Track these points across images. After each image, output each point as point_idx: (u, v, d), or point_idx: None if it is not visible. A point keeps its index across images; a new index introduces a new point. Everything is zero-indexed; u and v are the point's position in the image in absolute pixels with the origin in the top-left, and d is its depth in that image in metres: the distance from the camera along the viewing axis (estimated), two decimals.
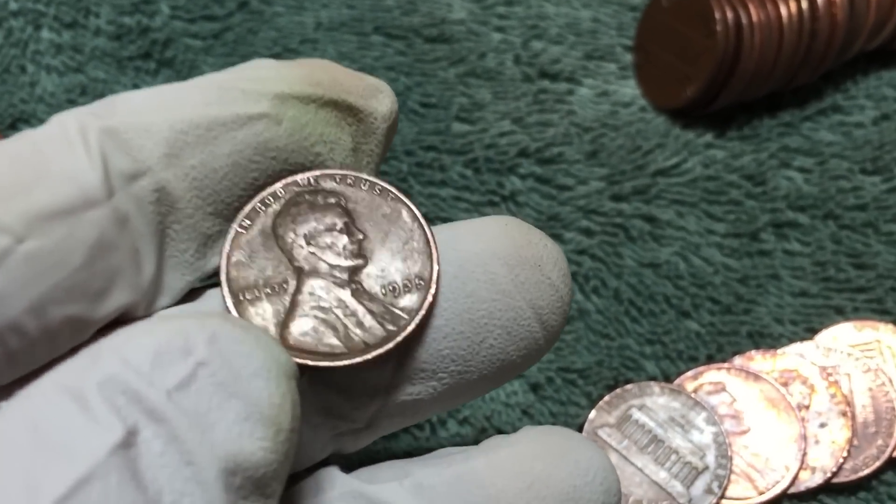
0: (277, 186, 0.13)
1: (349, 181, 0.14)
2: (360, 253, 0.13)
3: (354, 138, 0.14)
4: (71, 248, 0.11)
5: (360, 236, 0.13)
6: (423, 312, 0.13)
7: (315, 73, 0.13)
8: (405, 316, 0.13)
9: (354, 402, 0.13)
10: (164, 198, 0.12)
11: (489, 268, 0.13)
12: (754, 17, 0.28)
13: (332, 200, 0.14)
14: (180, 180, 0.12)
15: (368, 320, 0.13)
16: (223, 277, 0.13)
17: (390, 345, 0.13)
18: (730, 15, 0.28)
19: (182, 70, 0.31)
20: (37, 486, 0.10)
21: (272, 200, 0.13)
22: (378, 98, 0.14)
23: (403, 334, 0.13)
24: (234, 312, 0.13)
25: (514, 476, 0.13)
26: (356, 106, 0.14)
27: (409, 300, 0.13)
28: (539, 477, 0.13)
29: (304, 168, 0.13)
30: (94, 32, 0.32)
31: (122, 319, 0.12)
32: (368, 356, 0.13)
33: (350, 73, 0.14)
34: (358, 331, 0.13)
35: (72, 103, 0.30)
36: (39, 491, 0.10)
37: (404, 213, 0.14)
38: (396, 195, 0.14)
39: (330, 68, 0.14)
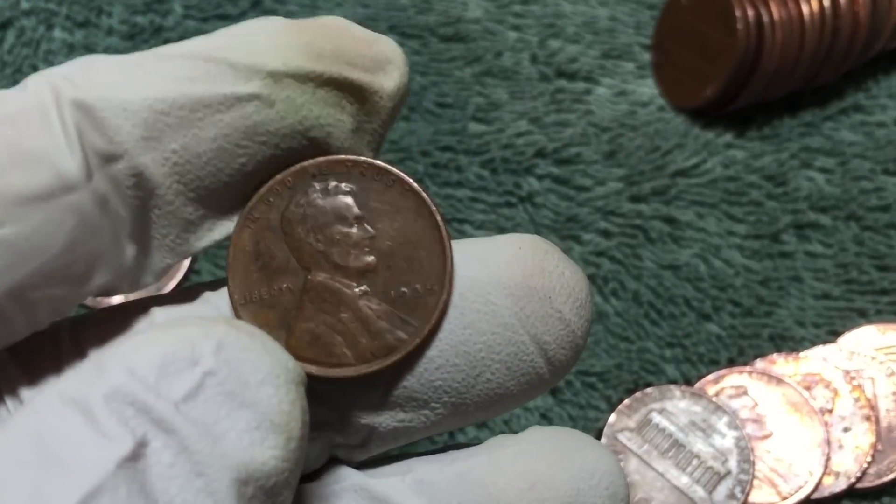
0: (286, 175, 0.12)
1: (362, 170, 0.13)
2: (371, 251, 0.13)
3: (356, 118, 0.12)
4: (49, 234, 0.11)
5: (372, 233, 0.13)
6: (433, 320, 0.12)
7: (317, 42, 0.12)
8: (415, 323, 0.12)
9: (345, 421, 0.13)
10: (143, 183, 0.12)
11: (491, 298, 0.13)
12: (776, 15, 0.27)
13: (345, 191, 0.13)
14: (159, 165, 0.11)
15: (376, 326, 0.13)
16: (229, 277, 0.13)
17: (398, 355, 0.12)
18: (751, 13, 0.27)
19: None
20: (45, 500, 0.09)
21: (281, 190, 0.12)
22: (386, 71, 0.12)
23: (415, 342, 0.12)
24: (238, 315, 0.12)
25: (516, 476, 0.13)
26: (360, 83, 0.12)
27: (419, 305, 0.13)
28: (542, 478, 0.13)
29: (296, 152, 0.12)
30: (106, 32, 0.31)
31: (105, 293, 0.12)
32: (374, 367, 0.12)
33: (358, 38, 0.12)
34: (364, 339, 0.12)
35: None
36: None
37: (418, 209, 0.13)
38: (411, 186, 0.13)
39: (335, 32, 0.12)
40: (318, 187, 0.13)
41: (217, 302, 0.13)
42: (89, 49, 0.31)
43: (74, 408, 0.10)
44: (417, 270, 0.12)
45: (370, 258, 0.13)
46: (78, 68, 0.12)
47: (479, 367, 0.13)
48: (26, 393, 0.12)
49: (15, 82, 0.31)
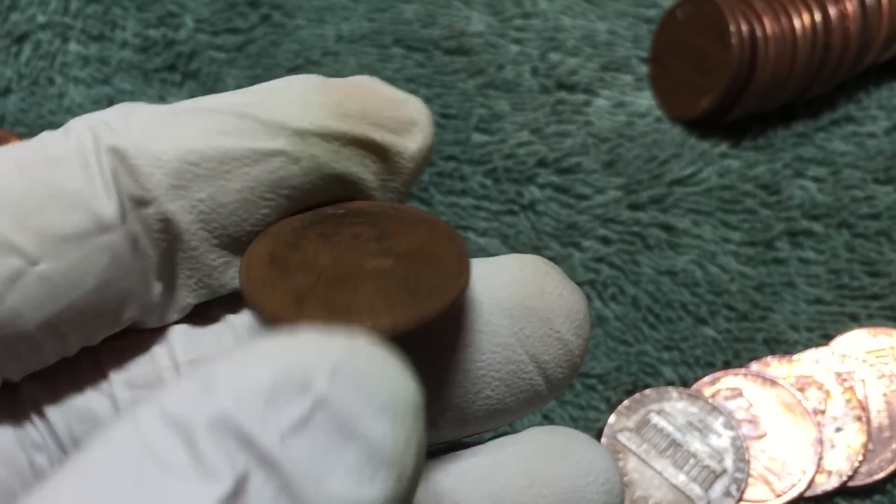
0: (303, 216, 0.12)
1: (376, 207, 0.13)
2: (389, 256, 0.12)
3: (378, 176, 0.13)
4: (84, 271, 0.11)
5: (388, 245, 0.12)
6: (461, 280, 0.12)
7: (344, 103, 0.12)
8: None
9: None
10: (170, 227, 0.12)
11: (492, 318, 0.13)
12: (769, 30, 0.28)
13: (360, 222, 0.13)
14: (186, 212, 0.12)
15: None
16: (242, 278, 0.12)
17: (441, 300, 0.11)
18: (744, 27, 0.28)
19: (207, 82, 0.32)
20: None
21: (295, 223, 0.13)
22: (411, 133, 0.13)
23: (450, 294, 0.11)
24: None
25: (516, 474, 0.13)
26: (384, 143, 0.13)
27: (440, 285, 0.12)
28: (541, 476, 0.13)
29: (319, 204, 0.13)
30: (120, 45, 0.32)
31: (132, 326, 0.13)
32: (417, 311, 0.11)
33: (385, 100, 0.13)
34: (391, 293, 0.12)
35: None
36: None
37: (433, 226, 0.13)
38: (424, 214, 0.13)
39: (363, 94, 0.13)
40: (331, 213, 0.13)
41: (237, 324, 0.13)
42: (103, 62, 0.32)
43: (177, 432, 0.09)
44: (436, 265, 0.12)
45: (388, 261, 0.12)
46: (117, 115, 0.12)
47: (479, 384, 0.13)
48: (51, 412, 0.12)
49: (32, 94, 0.32)
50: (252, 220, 0.12)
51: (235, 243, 0.12)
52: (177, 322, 0.13)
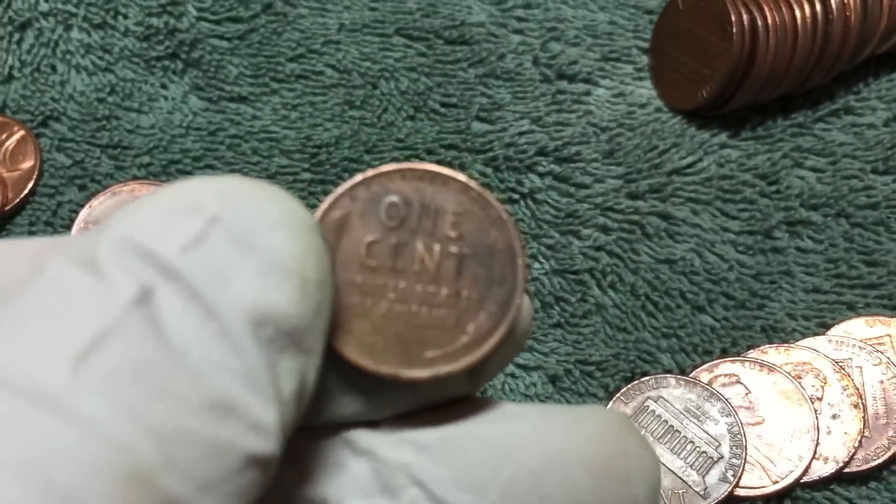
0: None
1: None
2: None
3: None
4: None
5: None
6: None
7: None
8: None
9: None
10: None
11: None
12: (769, 20, 0.28)
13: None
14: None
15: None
16: None
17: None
18: (745, 17, 0.28)
19: (209, 70, 0.32)
20: (53, 345, 0.09)
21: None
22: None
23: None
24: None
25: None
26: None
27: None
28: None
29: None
30: (122, 33, 0.32)
31: None
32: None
33: None
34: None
35: (101, 102, 0.31)
36: (56, 349, 0.09)
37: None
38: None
39: None
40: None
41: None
42: (106, 49, 0.32)
43: (77, 264, 0.10)
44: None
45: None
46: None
47: None
48: None
49: (34, 81, 0.32)
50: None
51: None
52: None
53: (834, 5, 0.29)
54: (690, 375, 0.26)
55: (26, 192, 0.30)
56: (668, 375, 0.26)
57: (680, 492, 0.24)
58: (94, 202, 0.29)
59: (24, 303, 0.10)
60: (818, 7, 0.29)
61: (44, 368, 0.09)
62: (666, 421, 0.25)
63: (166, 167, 0.30)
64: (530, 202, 0.29)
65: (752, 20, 0.28)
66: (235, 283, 0.09)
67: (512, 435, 0.13)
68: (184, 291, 0.09)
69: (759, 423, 0.25)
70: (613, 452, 0.13)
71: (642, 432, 0.25)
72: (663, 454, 0.24)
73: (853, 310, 0.27)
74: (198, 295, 0.09)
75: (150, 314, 0.09)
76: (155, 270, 0.09)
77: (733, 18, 0.28)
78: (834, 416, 0.25)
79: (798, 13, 0.29)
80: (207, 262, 0.09)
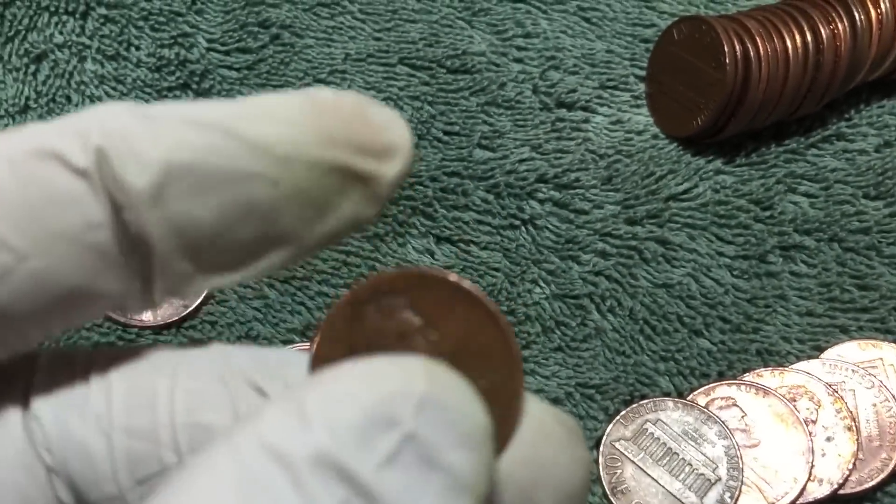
0: (342, 309, 0.13)
1: (410, 281, 0.13)
2: (438, 356, 0.12)
3: (354, 202, 0.13)
4: (72, 268, 0.12)
5: (436, 339, 0.13)
6: (515, 406, 0.12)
7: (331, 128, 0.12)
8: (497, 412, 0.12)
9: None
10: (144, 234, 0.12)
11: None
12: (762, 50, 0.29)
13: (400, 306, 0.13)
14: (160, 223, 0.12)
15: None
16: None
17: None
18: (738, 48, 0.29)
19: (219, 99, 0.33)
20: None
21: (340, 325, 0.13)
22: (392, 160, 0.13)
23: (505, 431, 0.12)
24: None
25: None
26: (365, 172, 0.13)
27: (497, 394, 0.12)
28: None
29: (290, 231, 0.13)
30: (135, 64, 0.33)
31: (113, 312, 0.13)
32: None
33: (371, 125, 0.13)
34: None
35: None
36: None
37: (469, 300, 0.13)
38: (456, 282, 0.13)
39: (350, 118, 0.13)
40: (373, 310, 0.13)
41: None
42: (119, 80, 0.33)
43: (280, 465, 0.10)
44: (487, 361, 0.12)
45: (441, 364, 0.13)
46: (106, 115, 0.12)
47: None
48: (37, 404, 0.13)
49: (49, 111, 0.33)
50: (225, 239, 0.12)
51: (206, 257, 0.13)
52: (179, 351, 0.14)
53: (825, 35, 0.30)
54: (688, 398, 0.26)
55: None
56: (667, 399, 0.26)
57: None
58: None
59: (218, 488, 0.10)
60: (809, 37, 0.30)
61: None
62: (664, 443, 0.26)
63: None
64: (531, 228, 0.30)
65: (745, 50, 0.29)
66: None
67: None
68: None
69: (755, 446, 0.25)
70: (524, 458, 0.13)
71: (641, 454, 0.26)
72: (662, 476, 0.25)
73: (846, 333, 0.28)
74: None
75: None
76: (352, 490, 0.10)
77: (727, 49, 0.29)
78: (828, 439, 0.26)
79: (790, 43, 0.30)
80: (398, 483, 0.10)
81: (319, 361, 0.13)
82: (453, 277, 0.13)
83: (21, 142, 0.12)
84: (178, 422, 0.13)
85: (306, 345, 0.28)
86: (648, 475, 0.25)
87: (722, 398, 0.26)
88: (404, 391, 0.10)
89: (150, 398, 0.13)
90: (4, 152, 0.12)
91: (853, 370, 0.27)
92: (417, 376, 0.11)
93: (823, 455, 0.25)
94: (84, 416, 0.13)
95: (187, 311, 0.28)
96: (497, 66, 0.33)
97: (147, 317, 0.28)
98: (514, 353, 0.12)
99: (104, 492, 0.13)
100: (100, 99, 0.33)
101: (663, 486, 0.25)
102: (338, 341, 0.13)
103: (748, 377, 0.27)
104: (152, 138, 0.12)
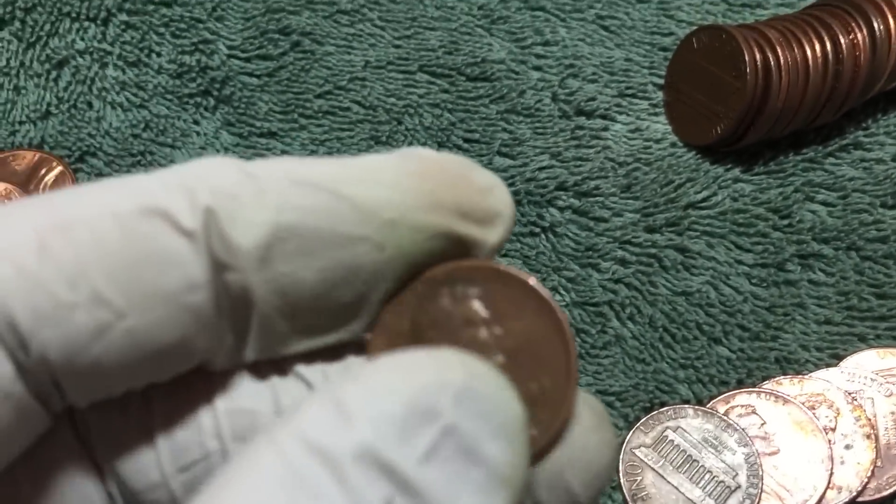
0: (416, 283, 0.13)
1: (486, 274, 0.13)
2: (500, 352, 0.13)
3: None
4: (168, 327, 0.12)
5: (500, 334, 0.13)
6: (562, 414, 0.12)
7: (437, 192, 0.12)
8: (543, 418, 0.12)
9: None
10: (248, 295, 0.12)
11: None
12: (782, 60, 0.29)
13: (473, 295, 0.13)
14: (265, 284, 0.12)
15: None
16: None
17: (533, 450, 0.12)
18: (758, 56, 0.29)
19: (239, 107, 0.33)
20: None
21: (410, 299, 0.13)
22: (494, 225, 0.13)
23: (546, 437, 0.12)
24: None
25: None
26: (468, 237, 0.13)
27: (547, 401, 0.12)
28: None
29: (389, 293, 0.13)
30: (156, 70, 0.34)
31: (199, 368, 0.13)
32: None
33: (475, 189, 0.13)
34: None
35: (136, 138, 0.32)
36: None
37: (539, 307, 0.13)
38: (532, 287, 0.13)
39: (455, 182, 0.13)
40: (446, 293, 0.13)
41: (307, 376, 0.13)
42: (140, 86, 0.33)
43: (323, 462, 0.10)
44: (543, 365, 0.13)
45: (499, 358, 0.13)
46: (211, 172, 0.12)
47: None
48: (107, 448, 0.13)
49: (71, 118, 0.33)
50: (326, 300, 0.12)
51: (306, 317, 0.13)
52: (241, 369, 0.14)
53: (844, 45, 0.30)
54: (707, 406, 0.27)
55: None
56: (686, 406, 0.27)
57: None
58: None
59: (264, 485, 0.10)
60: (829, 47, 0.30)
61: None
62: (685, 451, 0.26)
63: None
64: (551, 235, 0.30)
65: (765, 60, 0.29)
66: (462, 497, 0.10)
67: None
68: None
69: (774, 454, 0.26)
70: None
71: (661, 461, 0.26)
72: (682, 483, 0.25)
73: (864, 341, 0.28)
74: None
75: None
76: (395, 485, 0.10)
77: (747, 58, 0.29)
78: (847, 447, 0.26)
79: (809, 52, 0.30)
80: (440, 475, 0.10)
81: (380, 330, 0.13)
82: (532, 281, 0.13)
83: (127, 196, 0.12)
84: (220, 407, 0.13)
85: None
86: (668, 482, 0.25)
87: (741, 406, 0.27)
88: (442, 382, 0.10)
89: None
90: (110, 207, 0.12)
91: (872, 378, 0.27)
92: (454, 368, 0.11)
93: (842, 463, 0.26)
94: (125, 405, 0.13)
95: None
96: (516, 73, 0.33)
97: None
98: (570, 364, 0.12)
99: (149, 479, 0.13)
100: (121, 105, 0.33)
101: (683, 493, 0.25)
102: (403, 315, 0.13)
103: (767, 385, 0.27)
104: (259, 198, 0.12)
